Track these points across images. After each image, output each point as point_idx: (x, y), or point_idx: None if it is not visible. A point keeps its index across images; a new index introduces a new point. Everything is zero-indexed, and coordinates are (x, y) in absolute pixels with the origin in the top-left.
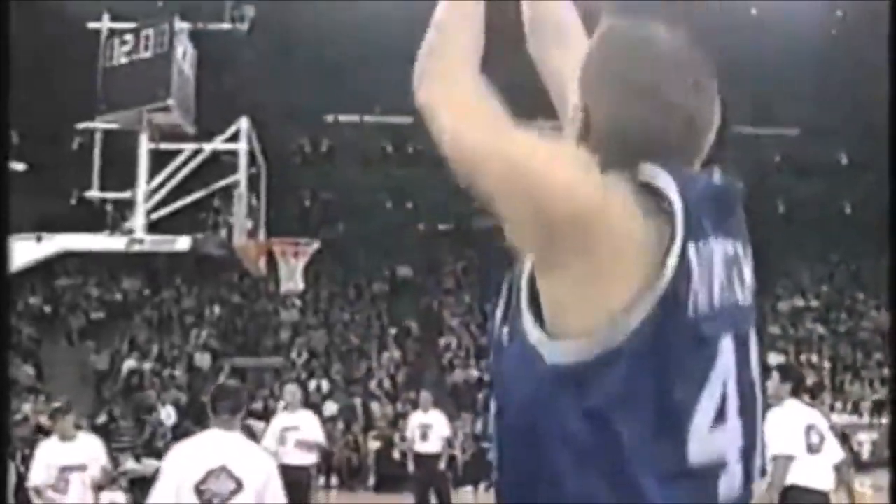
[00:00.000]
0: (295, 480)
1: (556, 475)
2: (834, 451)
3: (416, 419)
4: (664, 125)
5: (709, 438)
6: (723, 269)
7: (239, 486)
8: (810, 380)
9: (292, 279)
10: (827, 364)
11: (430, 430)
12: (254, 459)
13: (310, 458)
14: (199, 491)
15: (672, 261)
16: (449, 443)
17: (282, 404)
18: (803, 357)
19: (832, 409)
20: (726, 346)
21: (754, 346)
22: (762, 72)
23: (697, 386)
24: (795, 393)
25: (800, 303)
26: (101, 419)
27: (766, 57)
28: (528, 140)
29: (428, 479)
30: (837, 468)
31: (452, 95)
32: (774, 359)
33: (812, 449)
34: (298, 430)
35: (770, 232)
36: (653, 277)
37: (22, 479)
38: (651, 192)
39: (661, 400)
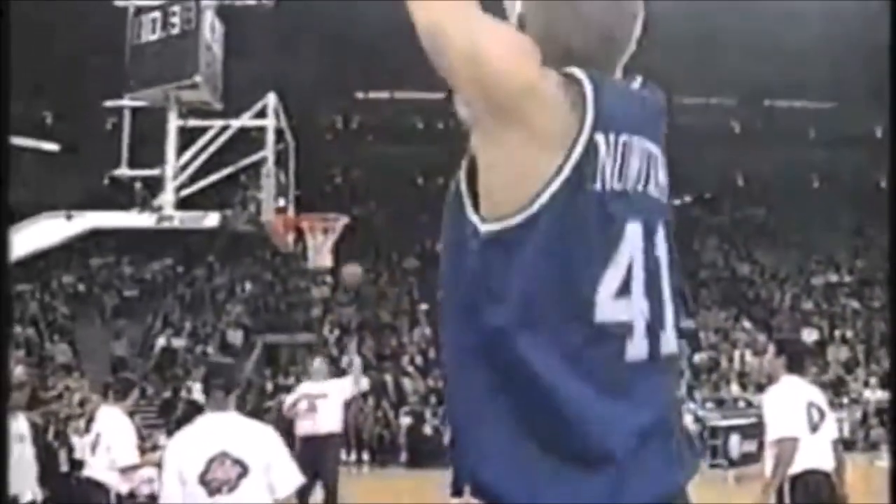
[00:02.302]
0: (320, 453)
1: (483, 322)
2: (832, 429)
3: None
4: (584, 38)
5: (613, 304)
6: (638, 162)
7: (244, 469)
8: (844, 355)
9: (321, 255)
10: (861, 340)
11: None
12: (254, 437)
13: (330, 426)
14: (204, 482)
15: (581, 140)
16: None
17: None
18: (837, 332)
19: (866, 384)
20: (634, 229)
21: (663, 239)
22: (797, 45)
23: (604, 257)
24: (792, 368)
25: (834, 278)
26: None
27: (802, 30)
28: (487, 24)
29: None
30: (834, 446)
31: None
32: (808, 334)
33: (814, 427)
34: (325, 398)
35: (804, 206)
36: (565, 156)
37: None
38: (574, 84)
39: (572, 264)
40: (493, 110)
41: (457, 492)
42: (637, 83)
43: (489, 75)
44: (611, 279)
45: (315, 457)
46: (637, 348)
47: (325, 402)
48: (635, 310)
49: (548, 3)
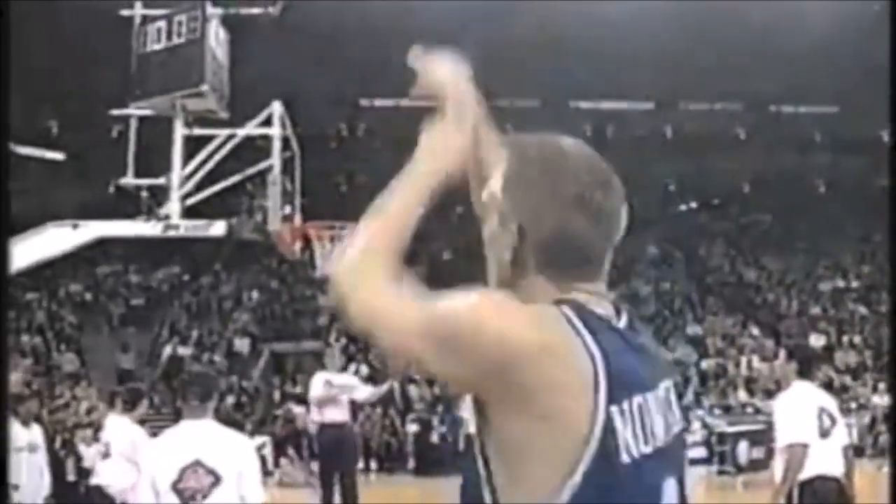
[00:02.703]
0: (338, 447)
1: None
2: (843, 434)
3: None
4: (597, 228)
5: None
6: (661, 415)
7: (217, 478)
8: (853, 360)
9: (329, 263)
10: (869, 345)
11: None
12: (228, 447)
13: (345, 414)
14: (177, 490)
15: (599, 422)
16: None
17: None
18: (845, 338)
19: (875, 389)
20: (670, 487)
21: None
22: (802, 50)
23: None
24: (802, 374)
25: (841, 283)
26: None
27: (807, 35)
28: (446, 307)
29: None
30: (844, 452)
31: (373, 294)
32: (816, 340)
33: (824, 433)
34: (342, 386)
35: (811, 212)
36: (586, 434)
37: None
38: (576, 330)
39: None
40: (486, 391)
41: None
42: (623, 320)
43: (476, 359)
44: None
45: (336, 445)
46: None
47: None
48: None
49: (549, 201)
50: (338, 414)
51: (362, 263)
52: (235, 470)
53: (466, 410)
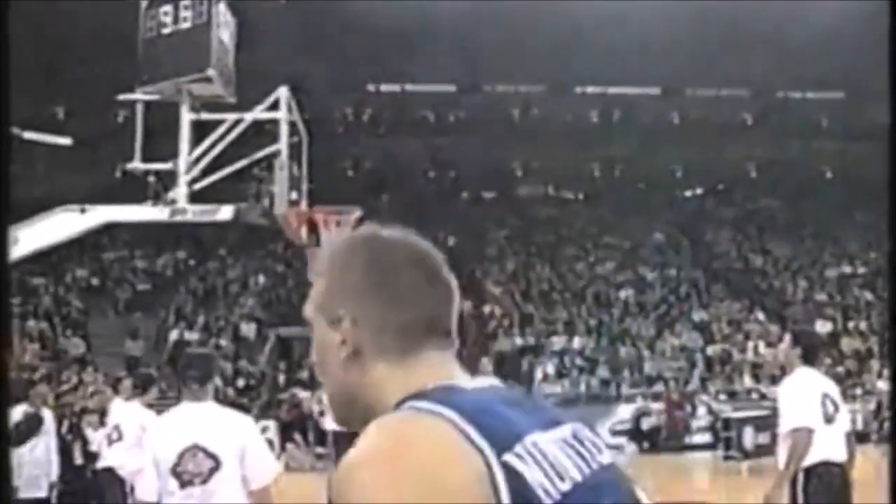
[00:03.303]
0: (344, 443)
1: None
2: (846, 420)
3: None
4: (411, 317)
5: None
6: (564, 452)
7: (216, 462)
8: (859, 347)
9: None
10: (875, 331)
11: None
12: (228, 429)
13: None
14: (176, 473)
15: (499, 479)
16: None
17: None
18: (851, 324)
19: (880, 375)
20: None
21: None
22: (809, 36)
23: None
24: (807, 359)
25: (847, 269)
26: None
27: (813, 21)
28: None
29: None
30: (847, 438)
31: None
32: (822, 326)
33: (829, 419)
34: None
35: (817, 198)
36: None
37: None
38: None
39: None
40: None
41: None
42: (481, 383)
43: None
44: None
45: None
46: None
47: None
48: None
49: (368, 292)
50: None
51: None
52: (236, 452)
53: None
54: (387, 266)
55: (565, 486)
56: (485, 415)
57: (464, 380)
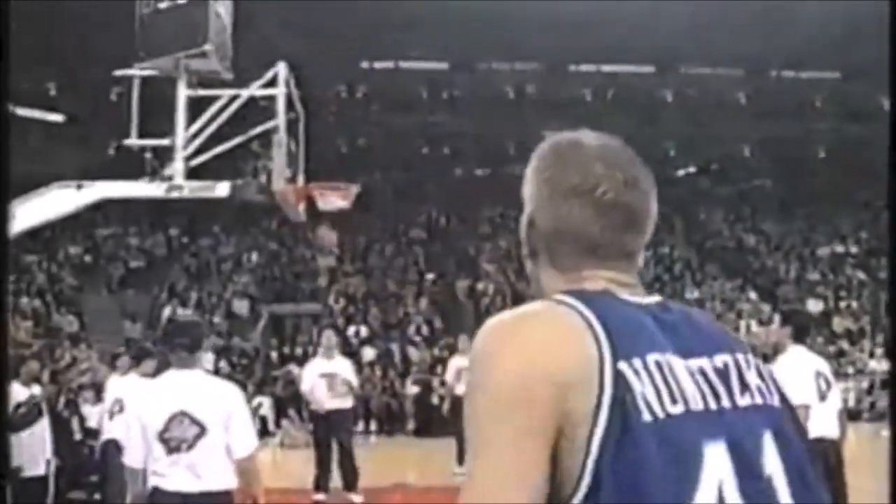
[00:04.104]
0: (337, 422)
1: None
2: (837, 397)
3: (455, 363)
4: (603, 222)
5: None
6: (693, 379)
7: (202, 428)
8: (851, 326)
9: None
10: (867, 311)
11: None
12: (215, 397)
13: (348, 402)
14: (163, 439)
15: (607, 379)
16: None
17: (320, 350)
18: (843, 304)
19: (872, 355)
20: (715, 452)
21: (776, 452)
22: (803, 15)
23: (685, 490)
24: (798, 338)
25: (839, 249)
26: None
27: (808, 1)
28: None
29: None
30: (839, 415)
31: None
32: (814, 305)
33: (823, 397)
34: (335, 377)
35: (810, 177)
36: (597, 403)
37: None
38: (582, 330)
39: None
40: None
41: (463, 459)
42: (649, 300)
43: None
44: None
45: (331, 428)
46: None
47: (341, 381)
48: None
49: (554, 192)
50: (331, 403)
51: None
52: (222, 420)
53: (450, 374)
54: (571, 179)
55: (675, 409)
56: (620, 322)
57: (626, 292)
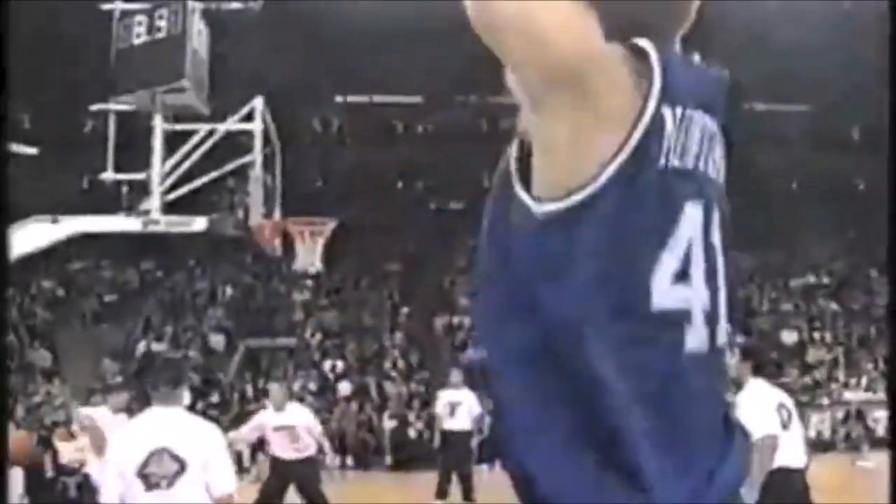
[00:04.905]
0: (301, 473)
1: (543, 316)
2: (799, 427)
3: (445, 396)
4: (644, 6)
5: (670, 290)
6: (700, 137)
7: (182, 466)
8: (826, 355)
9: (311, 258)
10: (840, 342)
11: (459, 407)
12: (196, 435)
13: (311, 449)
14: (142, 475)
15: (648, 113)
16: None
17: (269, 404)
18: (816, 334)
19: (846, 386)
20: (693, 210)
21: (718, 225)
22: (776, 48)
23: (661, 238)
24: (758, 371)
25: (812, 280)
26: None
27: (780, 33)
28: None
29: (454, 456)
30: (804, 444)
31: None
32: (787, 336)
33: (785, 426)
34: (294, 429)
35: (784, 208)
36: (630, 130)
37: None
38: (638, 55)
39: (630, 245)
40: (552, 86)
41: (441, 493)
42: (696, 57)
43: (546, 48)
44: (668, 263)
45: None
46: (696, 338)
47: (302, 430)
48: (693, 296)
49: None
50: (290, 452)
51: None
52: (202, 458)
53: (440, 407)
54: None
55: (678, 163)
56: (676, 61)
57: None
